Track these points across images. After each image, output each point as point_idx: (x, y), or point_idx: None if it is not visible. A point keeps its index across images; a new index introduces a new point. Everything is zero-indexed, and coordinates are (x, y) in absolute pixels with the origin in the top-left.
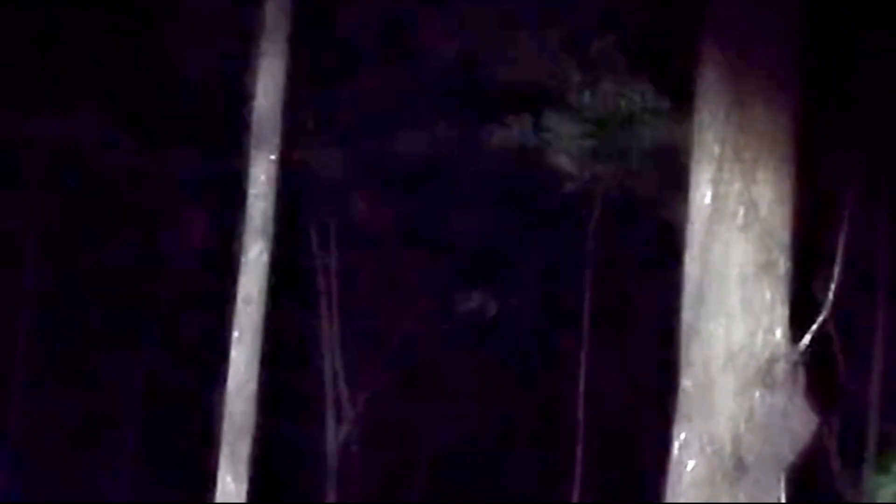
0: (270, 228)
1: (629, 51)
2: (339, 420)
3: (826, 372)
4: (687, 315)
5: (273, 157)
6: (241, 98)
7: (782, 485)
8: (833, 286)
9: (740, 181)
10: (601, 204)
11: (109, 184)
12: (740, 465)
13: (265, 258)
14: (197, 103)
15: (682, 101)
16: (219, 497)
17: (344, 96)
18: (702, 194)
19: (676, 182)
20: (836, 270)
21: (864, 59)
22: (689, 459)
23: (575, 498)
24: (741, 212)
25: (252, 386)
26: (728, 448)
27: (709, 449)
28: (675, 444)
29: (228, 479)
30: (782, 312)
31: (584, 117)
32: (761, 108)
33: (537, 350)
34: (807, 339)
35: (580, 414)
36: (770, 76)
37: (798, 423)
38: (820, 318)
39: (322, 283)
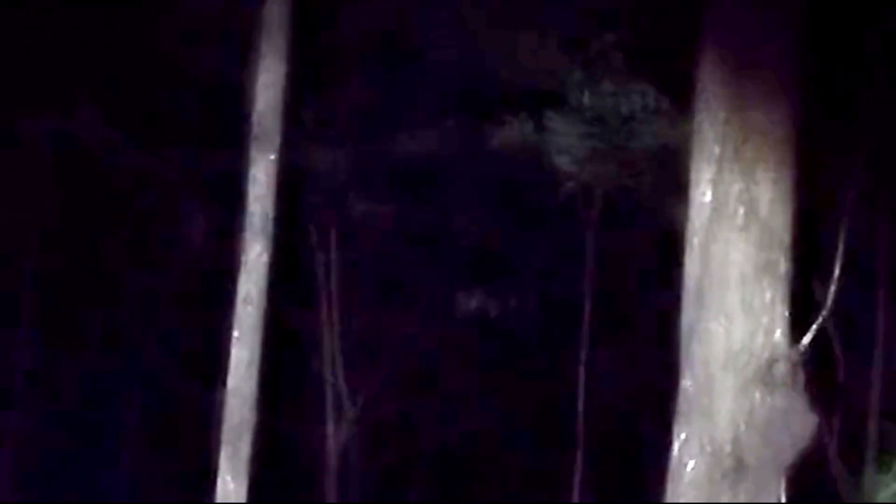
0: (270, 228)
1: (629, 51)
2: (339, 420)
3: (826, 372)
4: (687, 315)
5: (273, 157)
6: (241, 98)
7: (782, 485)
8: (833, 286)
9: (740, 181)
10: (601, 204)
11: (109, 183)
12: (740, 465)
13: (265, 258)
14: (197, 103)
15: (682, 101)
16: (219, 497)
17: (344, 96)
18: (702, 194)
19: (676, 182)
20: (836, 270)
21: (866, 59)
22: (689, 459)
23: (575, 498)
24: (741, 212)
25: (252, 386)
26: (728, 448)
27: (709, 449)
28: (675, 444)
29: (228, 479)
30: (782, 312)
31: (584, 117)
32: (761, 109)
33: (537, 350)
34: (807, 339)
35: (580, 414)
36: (770, 76)
37: (798, 423)
38: (820, 318)
39: (322, 283)
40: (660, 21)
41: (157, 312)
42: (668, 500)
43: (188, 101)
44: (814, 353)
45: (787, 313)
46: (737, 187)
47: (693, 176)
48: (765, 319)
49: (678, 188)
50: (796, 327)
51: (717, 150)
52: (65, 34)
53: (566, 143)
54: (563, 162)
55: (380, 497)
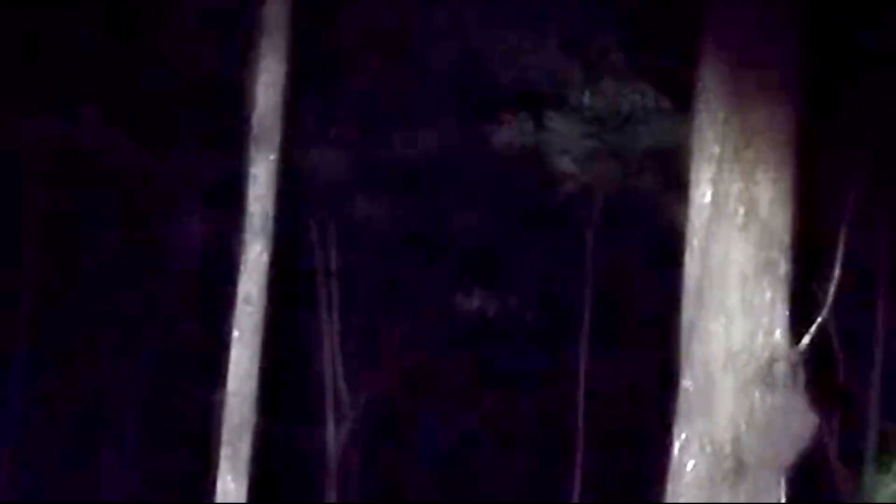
0: (270, 228)
1: (629, 51)
2: (339, 420)
3: (826, 372)
4: (687, 315)
5: (273, 157)
6: (241, 98)
7: (782, 485)
8: (833, 286)
9: (740, 181)
10: (601, 204)
11: (109, 183)
12: (740, 466)
13: (265, 258)
14: (197, 103)
15: (682, 101)
16: (219, 497)
17: (344, 96)
18: (702, 194)
19: (676, 182)
20: (836, 270)
21: (865, 59)
22: (689, 459)
23: (575, 498)
24: (741, 212)
25: (252, 386)
26: (728, 448)
27: (709, 449)
28: (675, 444)
29: (228, 479)
30: (782, 312)
31: (584, 117)
32: (761, 109)
33: (537, 350)
34: (807, 339)
35: (580, 414)
36: (770, 76)
37: (798, 423)
38: (820, 318)
39: (322, 283)
40: (660, 21)
41: (157, 313)
42: (668, 500)
43: (188, 101)
44: (814, 353)
45: (787, 313)
46: (737, 187)
47: (693, 176)
48: (765, 319)
49: (678, 188)
50: (796, 327)
51: (717, 150)
52: (65, 34)
53: (566, 143)
54: (563, 162)
55: (380, 497)
